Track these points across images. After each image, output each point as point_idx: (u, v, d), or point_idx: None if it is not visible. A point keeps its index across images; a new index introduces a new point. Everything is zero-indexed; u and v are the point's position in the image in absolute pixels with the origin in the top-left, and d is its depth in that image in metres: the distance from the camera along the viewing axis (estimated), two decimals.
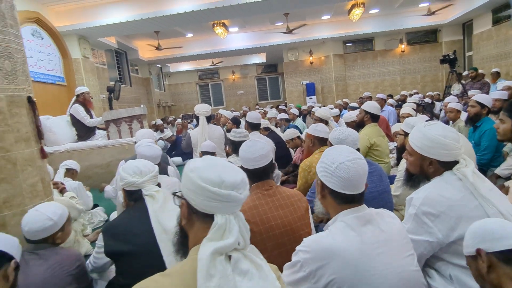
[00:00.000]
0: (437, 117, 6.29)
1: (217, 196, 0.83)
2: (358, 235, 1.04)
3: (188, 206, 0.88)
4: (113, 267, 1.74)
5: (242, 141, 2.78)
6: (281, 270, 1.23)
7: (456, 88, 7.57)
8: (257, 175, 1.57)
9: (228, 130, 4.69)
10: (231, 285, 0.77)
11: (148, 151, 2.34)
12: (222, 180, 0.84)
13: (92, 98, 4.93)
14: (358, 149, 1.95)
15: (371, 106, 3.15)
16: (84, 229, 2.90)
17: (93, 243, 2.70)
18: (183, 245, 0.95)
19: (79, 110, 4.49)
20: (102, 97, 7.79)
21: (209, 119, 3.77)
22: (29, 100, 1.98)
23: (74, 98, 4.64)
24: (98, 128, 4.81)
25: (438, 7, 9.13)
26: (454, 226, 1.21)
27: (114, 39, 8.79)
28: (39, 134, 2.04)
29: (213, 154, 3.08)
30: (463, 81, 7.32)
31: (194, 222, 0.88)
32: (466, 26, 10.44)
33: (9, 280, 1.22)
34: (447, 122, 4.01)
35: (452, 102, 3.97)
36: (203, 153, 3.03)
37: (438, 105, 7.23)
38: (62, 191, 2.74)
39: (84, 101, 4.59)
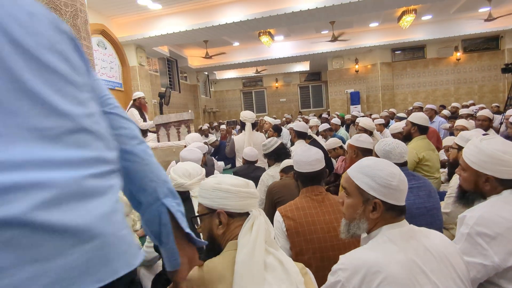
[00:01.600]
0: (496, 131, 5.77)
1: (249, 194, 1.04)
2: (401, 251, 0.97)
3: (225, 214, 1.02)
4: (160, 261, 1.86)
5: (274, 150, 2.82)
6: (318, 273, 1.24)
7: None
8: (309, 179, 1.61)
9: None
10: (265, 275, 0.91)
11: (189, 155, 2.48)
12: (246, 182, 1.05)
13: (147, 102, 5.31)
14: (405, 162, 1.89)
15: (418, 117, 2.99)
16: (134, 225, 3.12)
17: (141, 238, 2.90)
18: (213, 251, 1.04)
19: (134, 114, 4.85)
20: (154, 102, 8.32)
21: (254, 126, 3.87)
22: None
23: (131, 103, 5.03)
24: (150, 131, 5.15)
25: (500, 12, 8.44)
26: None
27: (167, 48, 9.38)
28: None
29: (255, 162, 3.15)
30: None
31: (230, 225, 1.03)
32: None
33: None
34: (508, 137, 3.69)
35: None
36: (246, 161, 3.10)
37: (497, 118, 6.63)
38: None
39: (140, 105, 4.96)
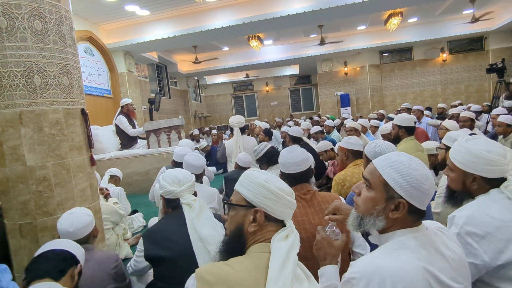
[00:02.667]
0: (483, 130, 5.88)
1: (291, 204, 1.01)
2: (419, 259, 0.89)
3: (263, 214, 0.98)
4: (151, 271, 1.82)
5: (264, 155, 2.81)
6: None
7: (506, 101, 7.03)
8: (297, 179, 1.60)
9: (261, 142, 4.74)
10: (295, 285, 0.88)
11: (194, 160, 2.45)
12: (291, 191, 1.01)
13: (135, 109, 5.25)
14: None
15: (403, 119, 3.01)
16: (125, 233, 3.06)
17: (132, 247, 2.85)
18: (231, 250, 1.00)
19: (122, 121, 4.79)
20: (144, 109, 8.24)
21: (243, 130, 3.86)
22: (82, 112, 2.17)
23: (119, 109, 4.97)
24: (140, 138, 5.10)
25: (482, 13, 8.63)
26: (502, 249, 1.12)
27: (156, 54, 9.32)
28: (90, 143, 2.22)
29: (247, 168, 3.14)
30: None
31: (264, 226, 0.98)
32: None
33: (74, 280, 1.35)
34: (494, 136, 3.75)
35: (501, 114, 3.70)
36: (239, 166, 3.09)
37: (484, 116, 6.75)
38: (106, 196, 2.93)
39: (127, 112, 4.90)
